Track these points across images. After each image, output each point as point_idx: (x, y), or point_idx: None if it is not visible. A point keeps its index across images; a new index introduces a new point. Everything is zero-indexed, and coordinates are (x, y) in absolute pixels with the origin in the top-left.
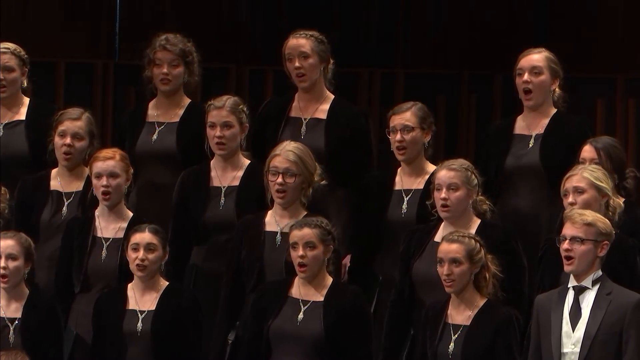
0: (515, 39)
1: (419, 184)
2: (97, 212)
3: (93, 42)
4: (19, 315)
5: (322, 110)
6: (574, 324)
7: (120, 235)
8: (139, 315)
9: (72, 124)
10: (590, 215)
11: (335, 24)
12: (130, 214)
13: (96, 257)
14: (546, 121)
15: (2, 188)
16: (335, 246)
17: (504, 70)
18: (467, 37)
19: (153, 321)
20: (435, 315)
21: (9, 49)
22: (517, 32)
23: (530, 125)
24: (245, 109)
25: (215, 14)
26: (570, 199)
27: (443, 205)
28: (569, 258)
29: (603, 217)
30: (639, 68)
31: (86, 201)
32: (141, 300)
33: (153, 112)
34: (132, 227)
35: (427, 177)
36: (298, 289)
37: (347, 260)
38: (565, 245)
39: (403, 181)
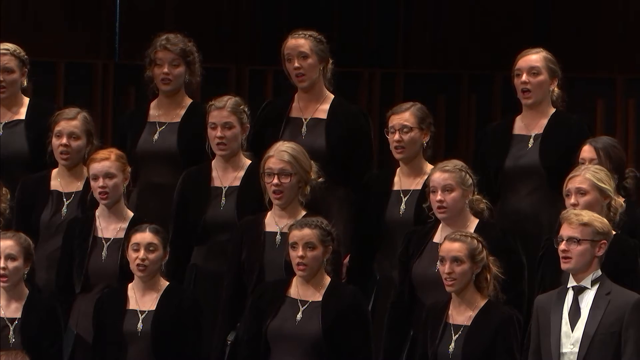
0: (515, 39)
1: (417, 184)
2: (97, 213)
3: (93, 42)
4: (19, 315)
5: (322, 110)
6: (573, 324)
7: (121, 235)
8: (140, 315)
9: (68, 123)
10: (586, 216)
11: (335, 24)
12: (131, 214)
13: (97, 258)
14: (545, 121)
15: (3, 188)
16: (334, 247)
17: (504, 70)
18: (467, 37)
19: (153, 321)
20: (435, 316)
21: (8, 49)
22: (517, 32)
23: (529, 125)
24: (246, 109)
25: (215, 14)
26: (573, 199)
27: (439, 207)
28: (566, 257)
29: (600, 217)
30: (639, 68)
31: (86, 201)
32: (141, 300)
33: (154, 112)
34: (133, 227)
35: (425, 177)
36: (296, 289)
37: (347, 260)
38: (562, 246)
39: (401, 181)
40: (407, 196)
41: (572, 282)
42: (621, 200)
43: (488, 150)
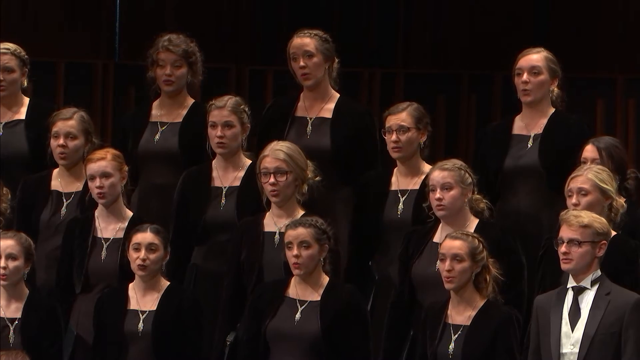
0: (515, 39)
1: (415, 184)
2: (96, 213)
3: (93, 42)
4: (19, 315)
5: (328, 110)
6: (573, 324)
7: (120, 235)
8: (140, 315)
9: (64, 124)
10: (586, 217)
11: (335, 24)
12: (130, 214)
13: (96, 258)
14: (545, 121)
15: (4, 188)
16: (331, 245)
17: (504, 70)
18: (467, 37)
19: (154, 321)
20: (435, 316)
21: (9, 49)
22: (517, 32)
23: (529, 125)
24: (246, 109)
25: (215, 14)
26: (574, 199)
27: (438, 206)
28: (567, 259)
29: (599, 217)
30: (639, 68)
31: (85, 201)
32: (142, 300)
33: (157, 112)
34: (133, 227)
35: (423, 177)
36: (295, 289)
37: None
38: (562, 248)
39: (399, 181)
40: (405, 196)
41: (572, 283)
42: (622, 201)
43: (488, 150)
